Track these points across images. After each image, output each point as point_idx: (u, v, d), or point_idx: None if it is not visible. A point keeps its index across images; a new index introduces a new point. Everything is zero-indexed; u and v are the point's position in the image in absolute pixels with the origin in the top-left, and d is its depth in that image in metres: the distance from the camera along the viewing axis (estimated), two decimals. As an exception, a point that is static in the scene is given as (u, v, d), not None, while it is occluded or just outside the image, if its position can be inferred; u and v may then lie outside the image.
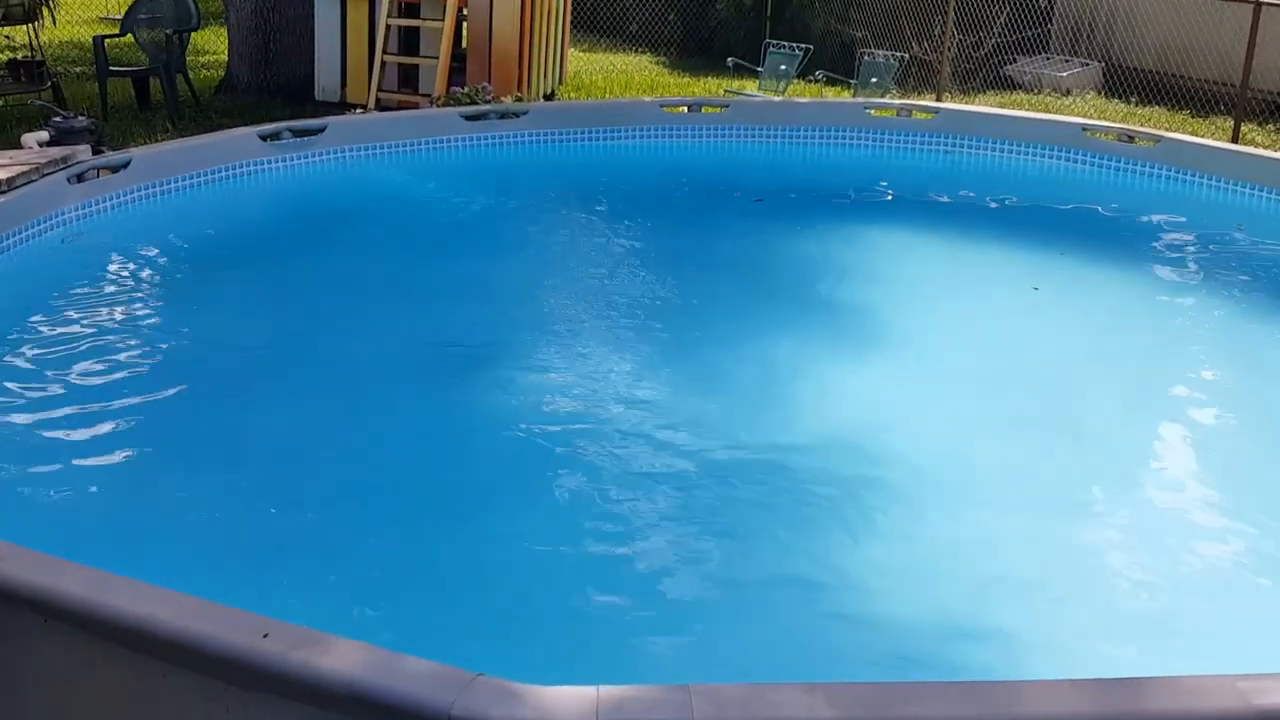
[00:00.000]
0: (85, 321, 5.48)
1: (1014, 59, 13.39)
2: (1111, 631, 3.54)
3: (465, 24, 10.78)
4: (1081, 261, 6.84)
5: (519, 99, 9.80)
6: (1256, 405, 5.10)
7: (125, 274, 6.20)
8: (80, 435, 4.43)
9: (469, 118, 8.62)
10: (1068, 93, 12.60)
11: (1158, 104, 11.85)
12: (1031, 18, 13.22)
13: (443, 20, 10.04)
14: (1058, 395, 5.06)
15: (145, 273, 6.29)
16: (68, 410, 4.59)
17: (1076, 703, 2.20)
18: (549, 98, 11.47)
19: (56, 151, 6.58)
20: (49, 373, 4.89)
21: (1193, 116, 11.39)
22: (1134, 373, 5.39)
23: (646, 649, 3.37)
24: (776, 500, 4.14)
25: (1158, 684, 2.26)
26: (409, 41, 10.74)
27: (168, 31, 10.28)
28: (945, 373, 5.24)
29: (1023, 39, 13.20)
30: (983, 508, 4.14)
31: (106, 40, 10.27)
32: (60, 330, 5.34)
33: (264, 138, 7.78)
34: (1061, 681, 2.26)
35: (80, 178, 6.61)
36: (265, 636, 2.44)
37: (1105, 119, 10.39)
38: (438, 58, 10.01)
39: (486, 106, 8.94)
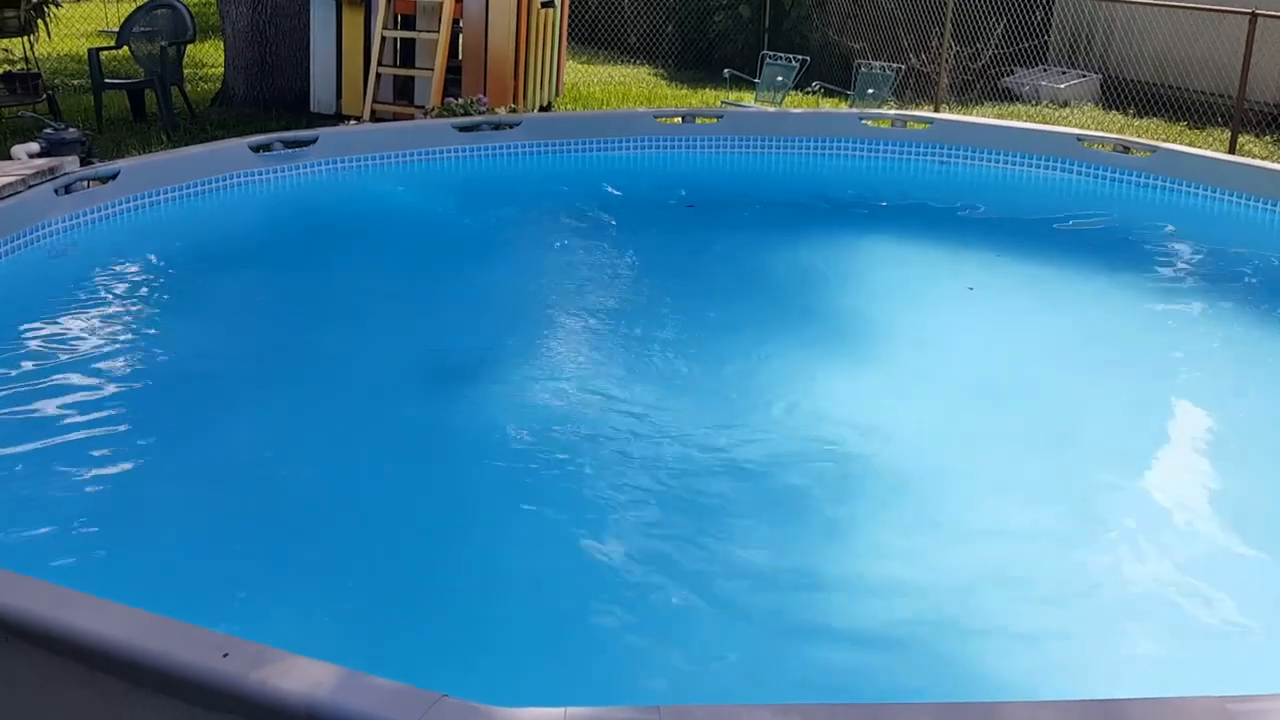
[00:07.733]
0: (67, 334, 5.42)
1: (1012, 70, 13.34)
2: (1098, 648, 3.47)
3: (460, 36, 10.76)
4: (1072, 271, 6.77)
5: (513, 110, 9.75)
6: (1252, 415, 5.05)
7: (110, 286, 6.14)
8: (63, 449, 4.37)
9: (461, 129, 8.58)
10: (1066, 104, 12.55)
11: (1155, 116, 11.81)
12: (1029, 29, 13.17)
13: (438, 32, 10.02)
14: (1044, 405, 4.99)
15: (130, 285, 6.24)
16: (49, 423, 4.53)
17: (1058, 725, 2.13)
18: (545, 109, 11.42)
19: (44, 163, 6.52)
20: (31, 384, 4.84)
21: (1190, 128, 11.35)
22: (1123, 383, 5.30)
23: (620, 668, 3.30)
24: (759, 515, 4.08)
25: (1143, 705, 2.19)
26: (405, 53, 10.73)
27: (163, 44, 10.25)
28: (931, 383, 5.17)
29: (1020, 50, 13.16)
30: (962, 520, 4.06)
31: (103, 53, 10.25)
32: (42, 343, 5.28)
33: (255, 149, 7.74)
34: (1043, 703, 2.20)
35: (69, 189, 6.56)
36: (225, 656, 2.39)
37: (1103, 130, 10.33)
38: (433, 69, 9.98)
39: (479, 118, 8.90)
